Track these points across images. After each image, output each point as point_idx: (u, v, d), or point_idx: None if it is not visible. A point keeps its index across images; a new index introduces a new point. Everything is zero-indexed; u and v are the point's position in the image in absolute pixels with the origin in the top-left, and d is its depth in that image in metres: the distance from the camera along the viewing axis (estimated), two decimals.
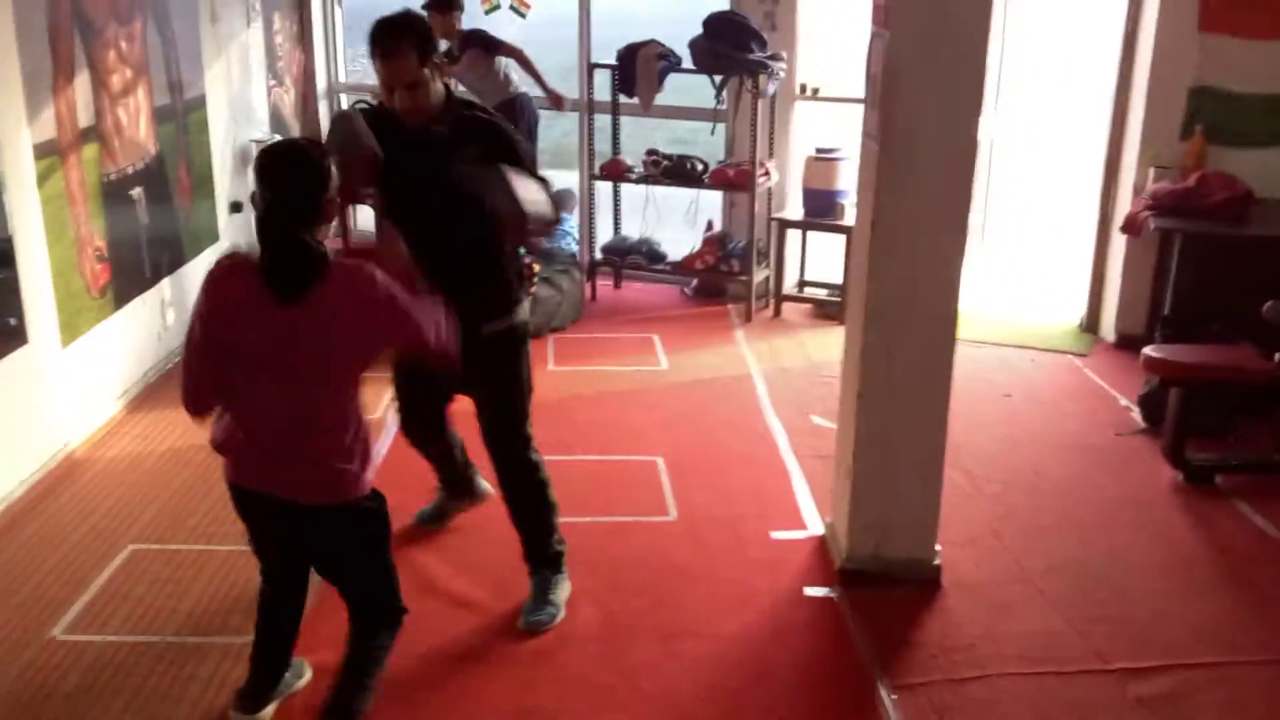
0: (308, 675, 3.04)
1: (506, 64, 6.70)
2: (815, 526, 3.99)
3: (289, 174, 2.50)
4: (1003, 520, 4.06)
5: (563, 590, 3.42)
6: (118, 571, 3.60)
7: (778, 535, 3.95)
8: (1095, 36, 6.64)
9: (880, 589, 3.55)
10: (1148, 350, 4.51)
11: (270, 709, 2.93)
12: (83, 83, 4.52)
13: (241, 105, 6.36)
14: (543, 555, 3.42)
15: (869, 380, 3.46)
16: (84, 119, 4.54)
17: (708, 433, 4.86)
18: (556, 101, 6.84)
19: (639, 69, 6.31)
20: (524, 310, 3.33)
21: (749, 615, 3.46)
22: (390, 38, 2.95)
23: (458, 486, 3.87)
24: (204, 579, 3.55)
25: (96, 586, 3.51)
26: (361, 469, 2.62)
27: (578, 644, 3.28)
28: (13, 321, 4.06)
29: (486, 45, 6.63)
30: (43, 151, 4.21)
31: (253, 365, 2.54)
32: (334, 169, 2.54)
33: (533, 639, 3.28)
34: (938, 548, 3.62)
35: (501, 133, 3.10)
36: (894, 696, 3.06)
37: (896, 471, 3.52)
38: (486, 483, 3.82)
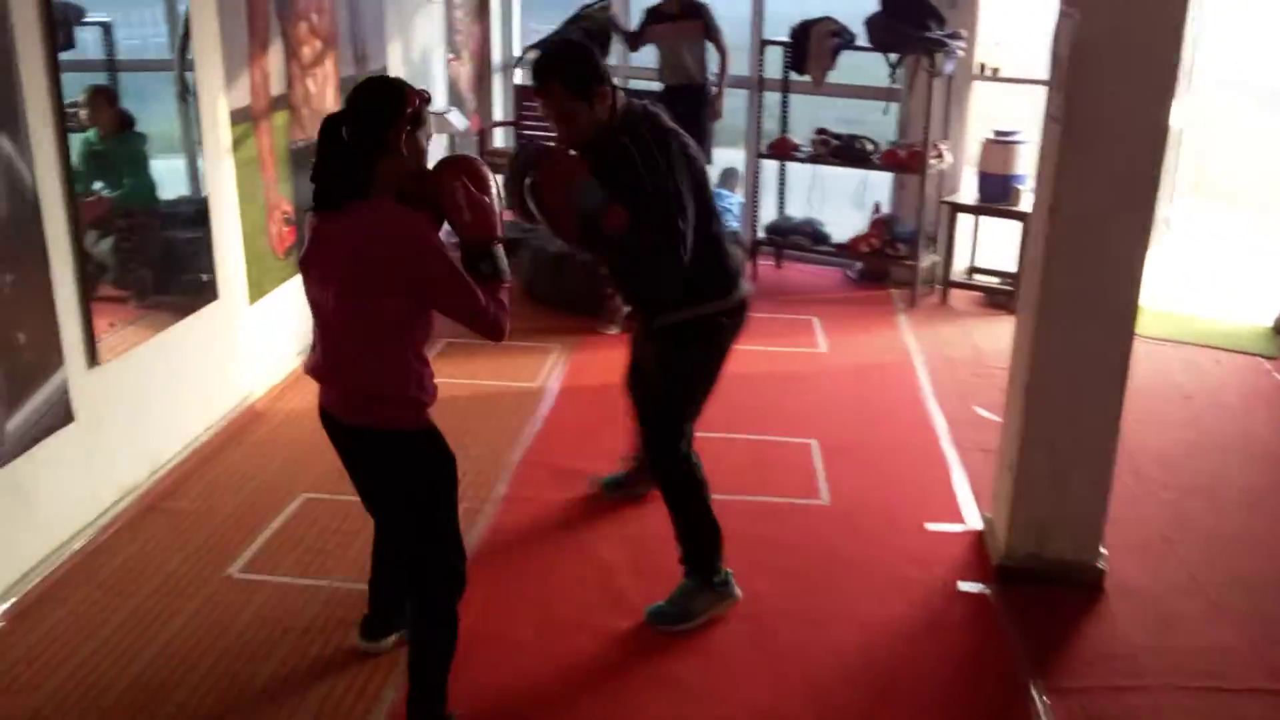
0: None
1: (709, 50, 6.55)
2: (973, 521, 3.89)
3: (359, 93, 2.56)
4: (1177, 527, 3.87)
5: (702, 603, 3.28)
6: (291, 518, 3.79)
7: (933, 527, 3.86)
8: None
9: (1039, 589, 3.44)
10: None
11: (391, 640, 3.06)
12: (276, 53, 4.74)
13: (420, 77, 6.56)
14: (690, 558, 3.33)
15: (1039, 373, 3.33)
16: (276, 88, 4.76)
17: (865, 418, 4.79)
18: (716, 114, 6.62)
19: (812, 45, 6.22)
20: (708, 307, 3.19)
21: (900, 606, 3.40)
22: (538, 76, 3.07)
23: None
24: (370, 529, 3.68)
25: (271, 531, 3.71)
26: (398, 400, 2.59)
27: (722, 619, 3.28)
28: (205, 278, 4.31)
29: (708, 28, 6.47)
30: (238, 118, 4.44)
31: (306, 274, 2.64)
32: (417, 115, 2.53)
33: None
34: (1103, 551, 3.47)
35: (621, 167, 3.01)
36: (1046, 700, 2.96)
37: (1063, 469, 3.39)
38: None
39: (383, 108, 2.50)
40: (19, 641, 3.11)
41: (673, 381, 3.30)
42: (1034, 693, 2.99)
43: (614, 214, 2.97)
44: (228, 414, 4.48)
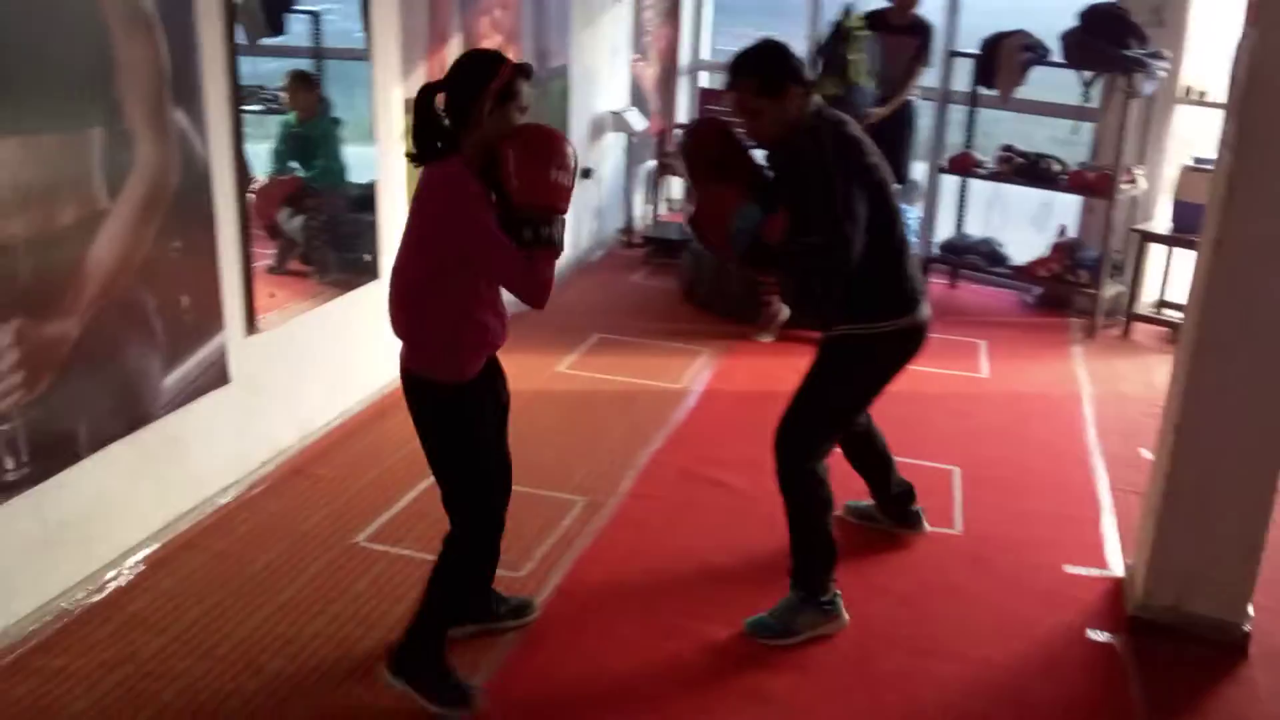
0: (531, 615, 3.22)
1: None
2: (1116, 568, 3.65)
3: (456, 63, 2.70)
4: None
5: (804, 620, 3.20)
6: (422, 493, 3.92)
7: (1071, 570, 3.64)
8: None
9: (1174, 645, 3.20)
10: None
11: (469, 629, 3.08)
12: (455, 46, 4.91)
13: (602, 76, 6.68)
14: (799, 573, 3.26)
15: (1191, 413, 3.10)
16: None
17: (1017, 450, 4.57)
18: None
19: (1002, 59, 6.01)
20: (879, 325, 3.12)
21: (1017, 645, 3.23)
22: (731, 73, 3.11)
23: (886, 505, 3.78)
24: None
25: (402, 504, 3.85)
26: (438, 351, 2.72)
27: (826, 640, 3.19)
28: (367, 258, 4.51)
29: (923, 49, 6.29)
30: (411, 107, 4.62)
31: None
32: (506, 89, 2.59)
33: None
34: (1250, 611, 3.20)
35: (797, 165, 3.01)
36: None
37: (1212, 518, 3.14)
38: (925, 523, 3.79)
39: (469, 79, 2.62)
40: (156, 585, 3.33)
41: (821, 395, 3.23)
42: None
43: (772, 223, 2.99)
44: (378, 390, 4.67)
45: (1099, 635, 3.29)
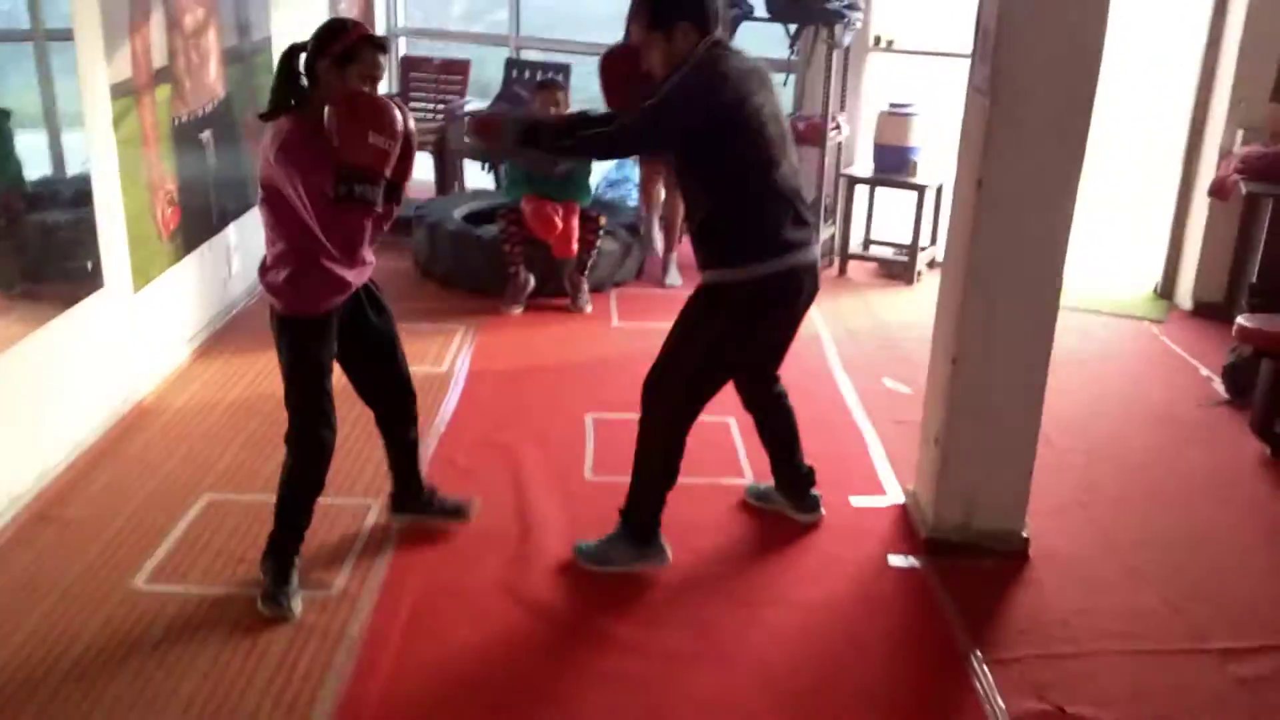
0: (468, 513, 3.59)
1: None
2: (895, 494, 3.91)
3: (319, 27, 2.97)
4: (1089, 491, 3.97)
5: (621, 554, 3.33)
6: (195, 522, 3.57)
7: (857, 502, 3.87)
8: None
9: (967, 560, 3.48)
10: (1241, 319, 4.37)
11: (405, 518, 3.55)
12: (157, 22, 4.44)
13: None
14: (626, 508, 3.35)
15: (966, 345, 3.35)
16: (158, 59, 4.47)
17: None
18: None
19: None
20: (733, 274, 3.10)
21: (834, 584, 3.39)
22: (630, 7, 3.28)
23: (792, 481, 3.68)
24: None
25: (174, 537, 3.49)
26: (279, 280, 3.02)
27: (656, 608, 3.22)
28: (89, 265, 4.01)
29: None
30: (119, 92, 4.14)
31: None
32: (346, 53, 2.86)
33: (611, 612, 3.19)
34: (1027, 519, 3.53)
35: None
36: (988, 671, 2.99)
37: (989, 441, 3.43)
38: (820, 509, 3.70)
39: (314, 41, 2.91)
40: None
41: (686, 344, 3.19)
42: (975, 664, 3.02)
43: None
44: (115, 410, 4.21)
45: (900, 560, 3.52)
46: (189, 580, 3.27)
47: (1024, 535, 3.52)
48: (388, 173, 2.90)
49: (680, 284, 5.97)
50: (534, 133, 3.26)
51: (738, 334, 3.20)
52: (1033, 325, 3.31)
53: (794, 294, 3.19)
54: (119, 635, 3.01)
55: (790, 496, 3.71)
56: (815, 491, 3.71)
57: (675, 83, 3.02)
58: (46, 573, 3.27)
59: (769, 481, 3.76)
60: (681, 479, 3.90)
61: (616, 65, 3.49)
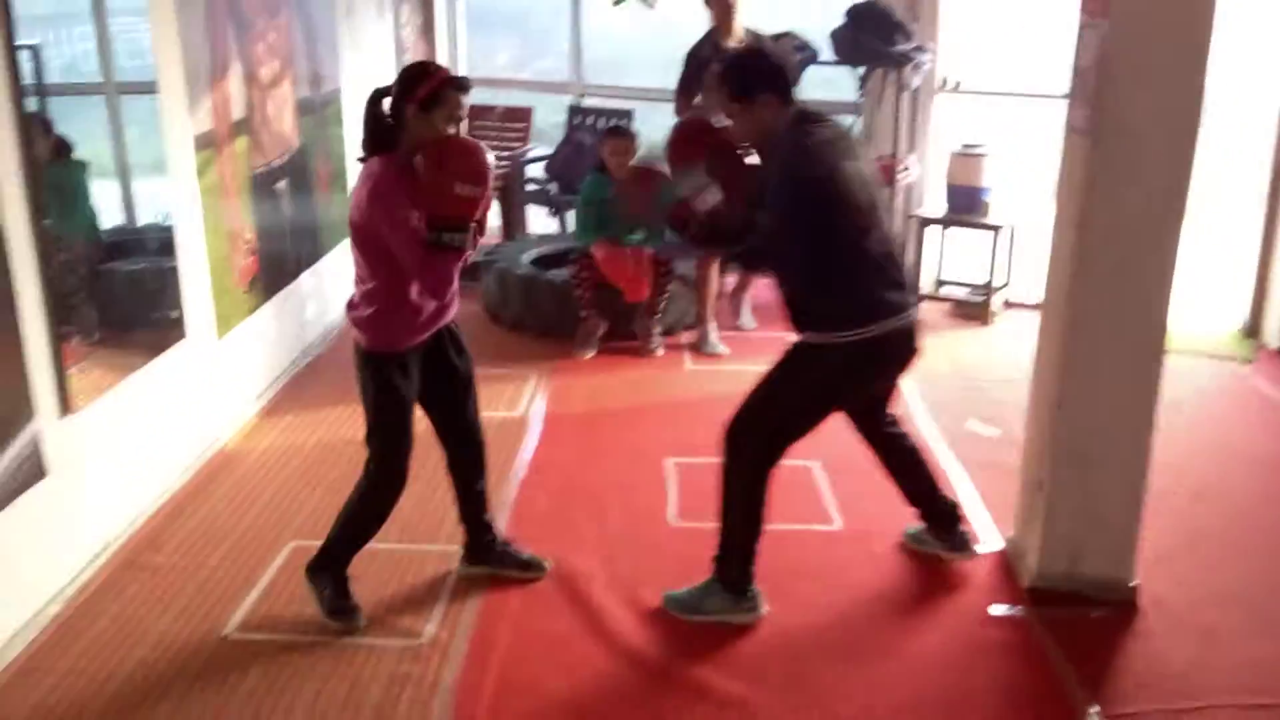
0: (542, 568, 3.51)
1: None
2: (991, 540, 3.80)
3: (403, 71, 3.03)
4: (1196, 536, 3.83)
5: (714, 604, 3.26)
6: (281, 569, 3.54)
7: None
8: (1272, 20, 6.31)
9: (1074, 609, 3.35)
10: None
11: (479, 570, 3.48)
12: (235, 75, 4.50)
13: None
14: (719, 558, 3.29)
15: (1069, 390, 3.26)
16: (236, 112, 4.52)
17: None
18: None
19: None
20: (829, 338, 3.09)
21: (936, 634, 3.29)
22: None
23: (934, 517, 3.62)
24: (369, 577, 3.46)
25: (263, 585, 3.46)
26: (365, 316, 3.06)
27: (752, 660, 3.13)
28: (174, 314, 4.04)
29: None
30: (201, 143, 4.19)
31: None
32: (431, 97, 2.91)
33: (705, 663, 3.11)
34: (1135, 567, 3.41)
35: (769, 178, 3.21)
36: None
37: (1095, 487, 3.32)
38: (971, 547, 3.62)
39: (399, 86, 2.96)
40: None
41: (773, 395, 3.20)
42: None
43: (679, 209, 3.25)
44: (200, 457, 4.22)
45: (1003, 610, 3.40)
46: (279, 629, 3.24)
47: (1132, 584, 3.39)
48: (477, 216, 2.97)
49: (754, 325, 5.91)
50: (716, 235, 3.29)
51: (829, 391, 3.21)
52: (1138, 369, 3.21)
53: (890, 358, 3.22)
54: (213, 685, 2.98)
55: (937, 535, 3.63)
56: (964, 528, 3.62)
57: (775, 189, 3.04)
58: (138, 620, 3.26)
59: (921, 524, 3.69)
60: (773, 525, 3.83)
61: (689, 134, 3.51)
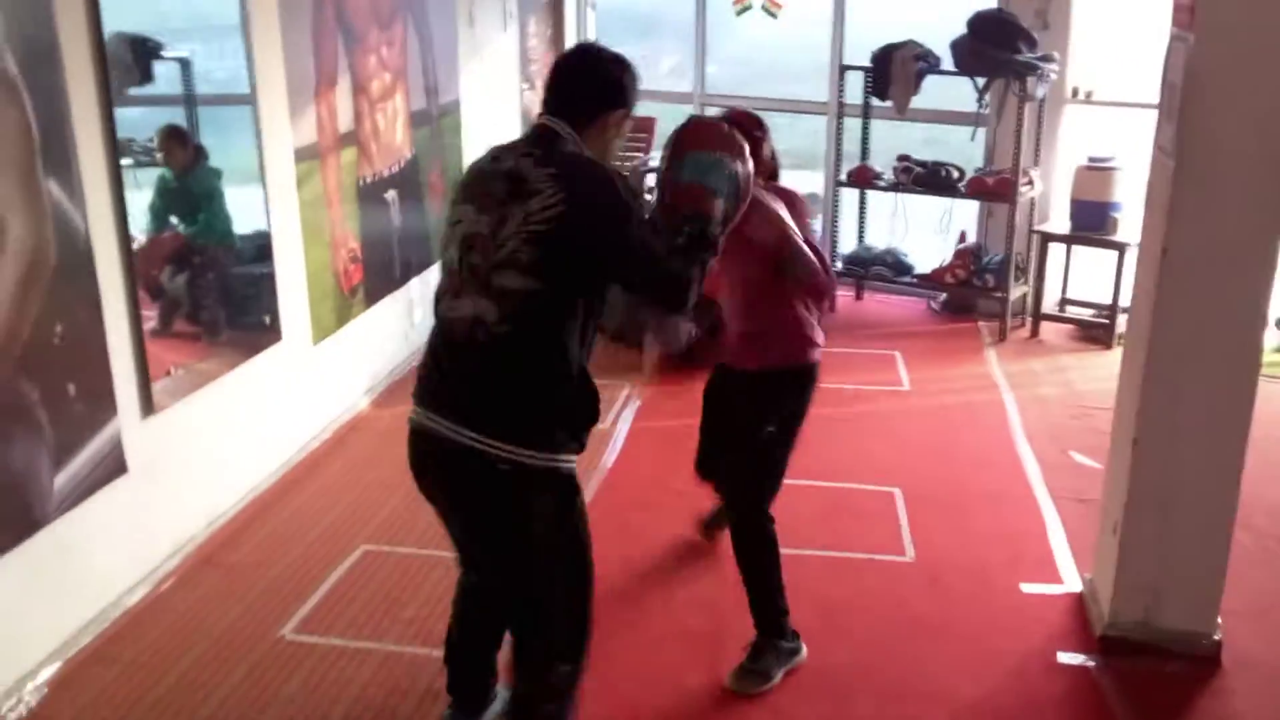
0: None
1: None
2: (1072, 581, 3.59)
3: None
4: None
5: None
6: (349, 571, 3.64)
7: (1029, 589, 3.57)
8: None
9: (1148, 663, 3.14)
10: None
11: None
12: (344, 89, 4.65)
13: (493, 108, 6.46)
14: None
15: (1149, 424, 3.05)
16: (344, 124, 4.67)
17: (951, 464, 4.51)
18: None
19: (895, 70, 5.99)
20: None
21: (992, 680, 3.13)
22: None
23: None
24: (428, 586, 3.53)
25: (328, 586, 3.56)
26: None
27: (800, 695, 3.04)
28: (267, 319, 4.20)
29: None
30: (303, 155, 4.35)
31: None
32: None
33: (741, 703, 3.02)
34: (1219, 619, 3.16)
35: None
36: None
37: (1175, 531, 3.09)
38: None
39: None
40: (61, 711, 2.97)
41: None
42: None
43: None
44: (289, 460, 4.37)
45: (1071, 658, 3.21)
46: (333, 632, 3.32)
47: (1216, 638, 3.15)
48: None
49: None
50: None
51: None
52: (1224, 405, 2.98)
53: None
54: (260, 685, 3.08)
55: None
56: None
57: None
58: (203, 617, 3.40)
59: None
60: (833, 552, 3.73)
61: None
